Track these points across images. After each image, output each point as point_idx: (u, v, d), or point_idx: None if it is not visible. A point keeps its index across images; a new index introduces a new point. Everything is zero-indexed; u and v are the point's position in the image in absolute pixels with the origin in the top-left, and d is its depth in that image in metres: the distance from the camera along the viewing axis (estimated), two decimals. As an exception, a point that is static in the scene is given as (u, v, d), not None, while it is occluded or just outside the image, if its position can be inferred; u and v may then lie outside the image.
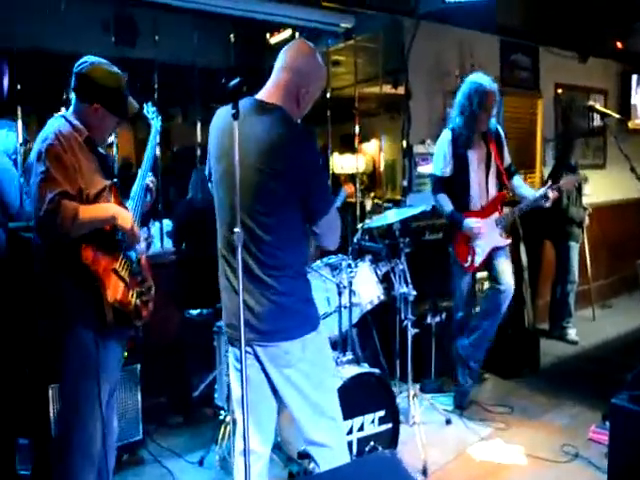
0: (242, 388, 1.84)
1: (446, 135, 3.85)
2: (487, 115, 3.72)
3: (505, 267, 3.80)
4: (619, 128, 6.36)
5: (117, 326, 2.21)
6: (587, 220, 5.78)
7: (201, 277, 3.27)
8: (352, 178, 6.05)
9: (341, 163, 8.20)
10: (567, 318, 5.62)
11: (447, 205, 3.84)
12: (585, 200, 5.79)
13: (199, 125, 4.42)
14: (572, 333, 5.57)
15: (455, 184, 3.83)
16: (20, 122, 3.60)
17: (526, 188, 3.96)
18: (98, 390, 2.18)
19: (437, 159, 3.89)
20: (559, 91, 6.46)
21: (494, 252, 3.81)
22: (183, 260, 3.76)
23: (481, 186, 3.82)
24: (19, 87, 3.74)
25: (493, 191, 3.84)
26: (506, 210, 3.92)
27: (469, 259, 3.82)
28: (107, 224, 2.22)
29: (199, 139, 4.44)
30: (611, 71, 7.17)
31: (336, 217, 2.15)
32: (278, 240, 2.05)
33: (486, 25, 5.45)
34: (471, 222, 3.73)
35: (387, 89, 5.51)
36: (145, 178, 2.52)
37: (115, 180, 2.36)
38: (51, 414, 2.99)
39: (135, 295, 2.30)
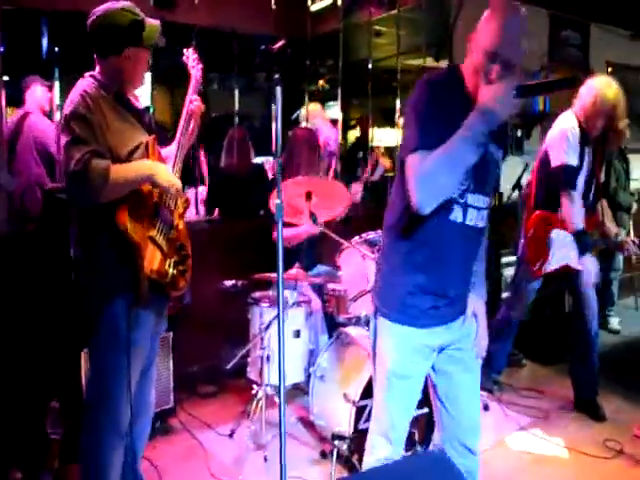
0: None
1: (572, 122, 3.33)
2: (603, 119, 3.32)
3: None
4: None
5: (152, 298, 2.11)
6: (635, 206, 5.54)
7: (236, 247, 3.22)
8: (390, 152, 5.91)
9: (379, 137, 8.03)
10: (609, 306, 5.41)
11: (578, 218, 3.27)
12: (632, 185, 5.54)
13: (237, 92, 4.32)
14: (614, 322, 5.36)
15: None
16: (57, 84, 3.55)
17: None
18: (127, 365, 2.08)
19: (568, 145, 3.29)
20: (609, 70, 6.18)
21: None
22: (217, 228, 3.68)
23: (581, 196, 3.34)
24: (57, 49, 3.69)
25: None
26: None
27: (538, 264, 3.53)
28: (143, 183, 2.09)
29: (237, 106, 4.35)
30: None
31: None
32: None
33: (536, -2, 5.22)
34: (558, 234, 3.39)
35: (430, 62, 5.34)
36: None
37: (152, 135, 2.24)
38: (83, 379, 2.96)
39: (172, 265, 2.18)
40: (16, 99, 4.20)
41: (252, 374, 3.25)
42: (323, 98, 6.91)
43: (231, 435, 3.28)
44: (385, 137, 7.93)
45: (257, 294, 3.32)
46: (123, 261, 2.05)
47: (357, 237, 3.11)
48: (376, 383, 2.05)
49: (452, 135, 1.65)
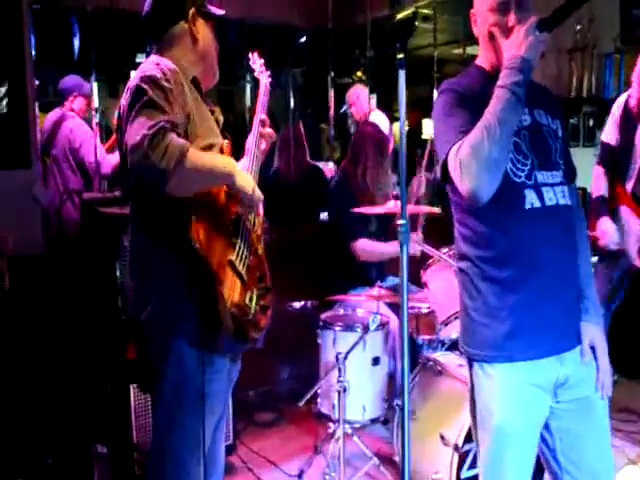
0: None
1: (621, 98, 3.19)
2: None
3: None
4: None
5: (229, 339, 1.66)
6: None
7: (307, 263, 2.85)
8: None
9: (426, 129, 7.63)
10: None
11: (596, 185, 3.15)
12: None
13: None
14: None
15: (618, 160, 3.12)
16: (95, 85, 3.20)
17: None
18: (202, 424, 1.65)
19: (608, 122, 3.23)
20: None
21: None
22: (274, 237, 3.28)
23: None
24: (92, 49, 3.34)
25: None
26: None
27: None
28: (222, 182, 1.66)
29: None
30: None
31: None
32: None
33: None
34: (603, 223, 3.06)
35: (472, 50, 4.91)
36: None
37: (227, 139, 1.82)
38: (132, 418, 2.58)
39: (254, 299, 1.71)
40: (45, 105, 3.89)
41: (324, 407, 2.83)
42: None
43: (300, 476, 2.88)
44: (430, 129, 7.54)
45: (328, 315, 2.91)
46: (195, 288, 1.61)
47: (446, 249, 2.68)
48: (481, 452, 1.69)
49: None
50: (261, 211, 1.91)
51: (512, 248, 1.59)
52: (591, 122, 5.05)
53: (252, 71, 2.21)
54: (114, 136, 3.31)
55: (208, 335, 1.61)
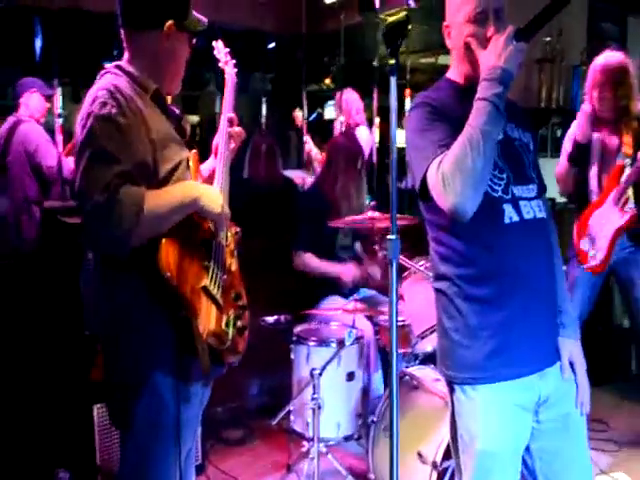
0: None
1: (585, 105, 3.23)
2: (606, 92, 3.05)
3: None
4: None
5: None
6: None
7: (279, 276, 2.77)
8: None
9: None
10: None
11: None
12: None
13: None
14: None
15: (577, 171, 3.23)
16: (58, 88, 3.06)
17: None
18: (178, 454, 1.55)
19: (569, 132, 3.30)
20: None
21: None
22: (253, 254, 3.20)
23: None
24: (54, 50, 3.20)
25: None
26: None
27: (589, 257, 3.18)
28: (188, 212, 1.56)
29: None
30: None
31: None
32: None
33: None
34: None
35: (443, 60, 4.93)
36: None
37: (194, 150, 1.72)
38: (96, 440, 2.45)
39: (231, 322, 1.61)
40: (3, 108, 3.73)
41: (297, 425, 2.74)
42: (325, 97, 6.52)
43: (273, 497, 2.79)
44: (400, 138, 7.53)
45: (302, 330, 2.82)
46: (167, 321, 1.51)
47: (422, 261, 2.62)
48: (465, 478, 1.63)
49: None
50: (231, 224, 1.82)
51: (494, 264, 1.56)
52: (559, 133, 5.08)
53: (217, 62, 2.08)
54: (74, 141, 3.15)
55: (183, 366, 1.53)
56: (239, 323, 1.63)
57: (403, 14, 1.30)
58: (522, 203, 1.59)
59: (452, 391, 1.64)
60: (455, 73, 1.68)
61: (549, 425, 1.62)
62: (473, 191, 1.44)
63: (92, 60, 3.78)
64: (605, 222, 3.13)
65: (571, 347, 1.69)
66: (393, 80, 1.29)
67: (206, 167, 1.88)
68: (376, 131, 4.73)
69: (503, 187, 1.57)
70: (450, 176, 1.43)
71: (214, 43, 2.10)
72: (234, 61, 2.06)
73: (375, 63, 4.38)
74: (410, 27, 1.33)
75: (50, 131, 3.33)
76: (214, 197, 1.62)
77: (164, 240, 1.47)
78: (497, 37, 1.50)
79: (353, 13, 4.61)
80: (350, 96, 4.47)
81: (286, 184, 3.81)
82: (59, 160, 2.82)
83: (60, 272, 2.45)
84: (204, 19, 1.76)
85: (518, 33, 1.47)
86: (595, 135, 3.15)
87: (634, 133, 3.11)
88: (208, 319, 1.51)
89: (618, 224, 3.10)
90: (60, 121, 3.00)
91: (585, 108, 3.13)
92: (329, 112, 6.60)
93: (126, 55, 1.68)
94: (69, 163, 3.37)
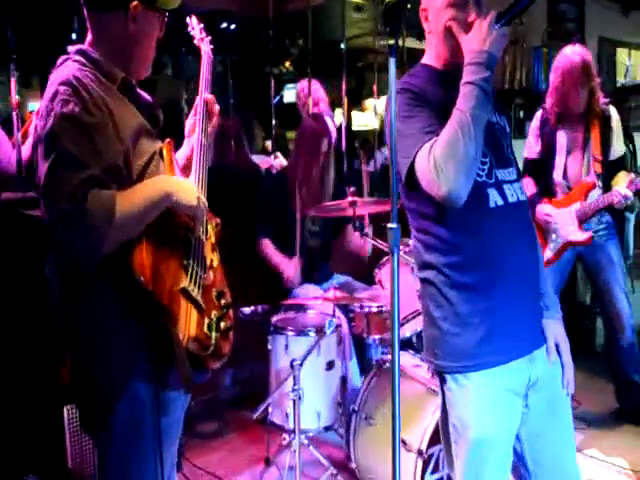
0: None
1: (537, 113, 3.37)
2: (576, 90, 3.12)
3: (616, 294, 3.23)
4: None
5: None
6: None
7: (252, 265, 2.69)
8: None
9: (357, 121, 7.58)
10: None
11: (527, 189, 3.21)
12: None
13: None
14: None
15: (542, 168, 3.31)
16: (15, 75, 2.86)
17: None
18: (160, 464, 1.46)
19: (527, 139, 3.44)
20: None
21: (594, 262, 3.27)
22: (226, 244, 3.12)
23: (572, 174, 3.25)
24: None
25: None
26: (592, 199, 3.25)
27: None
28: (163, 208, 1.45)
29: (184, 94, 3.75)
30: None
31: None
32: None
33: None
34: (543, 208, 3.22)
35: (411, 42, 4.87)
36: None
37: (167, 139, 1.61)
38: (67, 443, 2.35)
39: (214, 325, 1.49)
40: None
41: (275, 416, 2.68)
42: (284, 81, 6.43)
43: (253, 491, 2.73)
44: (360, 120, 7.49)
45: (279, 319, 2.76)
46: (144, 330, 1.41)
47: (401, 246, 2.58)
48: (458, 467, 1.62)
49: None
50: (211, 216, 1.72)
51: (481, 250, 1.55)
52: (521, 114, 5.13)
53: (192, 39, 1.95)
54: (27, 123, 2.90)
55: (162, 374, 1.44)
56: (222, 324, 1.52)
57: None
58: (506, 186, 1.59)
59: (443, 381, 1.62)
60: (432, 58, 1.66)
61: (537, 409, 1.62)
62: (466, 176, 1.43)
63: (46, 43, 3.59)
64: (562, 227, 3.21)
65: (555, 328, 1.70)
66: (392, 62, 1.22)
67: (182, 153, 1.77)
68: (344, 115, 4.67)
69: (487, 171, 1.56)
70: (443, 163, 1.41)
71: (188, 19, 1.98)
72: (210, 37, 1.94)
73: (342, 45, 4.28)
74: (409, 6, 1.26)
75: (5, 123, 3.10)
76: (188, 189, 1.52)
77: (137, 240, 1.38)
78: (480, 21, 1.49)
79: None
80: (317, 87, 4.40)
81: (255, 170, 3.71)
82: (17, 157, 2.62)
83: (24, 267, 2.31)
84: None
85: (498, 17, 1.47)
86: (560, 131, 3.23)
87: (600, 129, 3.21)
88: (188, 324, 1.41)
89: (574, 238, 3.20)
90: (16, 111, 2.79)
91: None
92: (288, 95, 6.51)
93: (89, 37, 1.55)
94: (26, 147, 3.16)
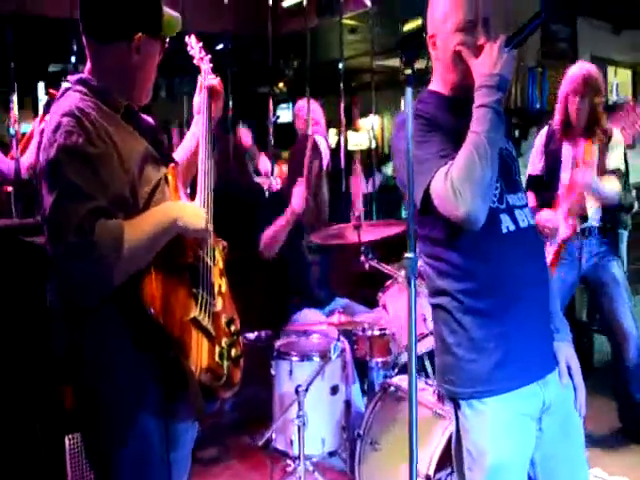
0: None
1: (543, 130, 3.35)
2: (574, 97, 3.11)
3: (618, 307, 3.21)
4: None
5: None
6: (637, 205, 5.24)
7: (254, 289, 2.66)
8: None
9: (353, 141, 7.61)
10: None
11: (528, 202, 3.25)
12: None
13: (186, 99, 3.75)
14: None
15: (545, 185, 3.28)
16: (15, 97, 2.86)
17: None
18: None
19: (531, 156, 3.39)
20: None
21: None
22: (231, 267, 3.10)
23: None
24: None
25: None
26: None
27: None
28: (172, 235, 1.44)
29: (185, 116, 3.77)
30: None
31: None
32: None
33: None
34: (541, 215, 3.16)
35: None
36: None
37: (172, 163, 1.61)
38: (68, 472, 2.31)
39: (225, 353, 1.47)
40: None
41: (279, 443, 2.65)
42: (278, 101, 6.45)
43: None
44: (356, 140, 7.53)
45: (282, 344, 2.73)
46: (152, 360, 1.40)
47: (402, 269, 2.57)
48: None
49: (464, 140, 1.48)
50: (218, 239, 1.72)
51: (495, 276, 1.55)
52: (517, 133, 5.18)
53: (191, 59, 1.95)
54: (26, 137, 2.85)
55: (172, 406, 1.42)
56: (233, 352, 1.51)
57: (419, 22, 1.24)
58: (517, 212, 1.60)
59: (457, 407, 1.60)
60: (439, 84, 1.66)
61: (551, 432, 1.62)
62: (482, 199, 1.44)
63: (35, 67, 3.60)
64: (557, 229, 3.18)
65: (566, 350, 1.71)
66: (409, 91, 1.22)
67: (191, 132, 1.81)
68: (342, 134, 4.68)
69: (498, 197, 1.57)
70: (460, 185, 1.42)
71: (187, 39, 1.97)
72: (209, 56, 1.93)
73: (341, 66, 4.30)
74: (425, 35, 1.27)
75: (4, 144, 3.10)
76: (195, 213, 1.51)
77: (145, 269, 1.36)
78: (491, 45, 1.49)
79: (312, 16, 4.55)
80: (314, 107, 4.42)
81: (258, 190, 3.69)
82: (16, 175, 2.60)
83: (24, 294, 2.29)
84: (176, 14, 1.64)
85: (507, 41, 1.48)
86: (565, 145, 3.20)
87: (600, 144, 3.17)
88: (199, 355, 1.39)
89: (563, 236, 3.17)
90: (14, 131, 2.78)
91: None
92: (283, 116, 6.54)
93: (89, 65, 1.54)
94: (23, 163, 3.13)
